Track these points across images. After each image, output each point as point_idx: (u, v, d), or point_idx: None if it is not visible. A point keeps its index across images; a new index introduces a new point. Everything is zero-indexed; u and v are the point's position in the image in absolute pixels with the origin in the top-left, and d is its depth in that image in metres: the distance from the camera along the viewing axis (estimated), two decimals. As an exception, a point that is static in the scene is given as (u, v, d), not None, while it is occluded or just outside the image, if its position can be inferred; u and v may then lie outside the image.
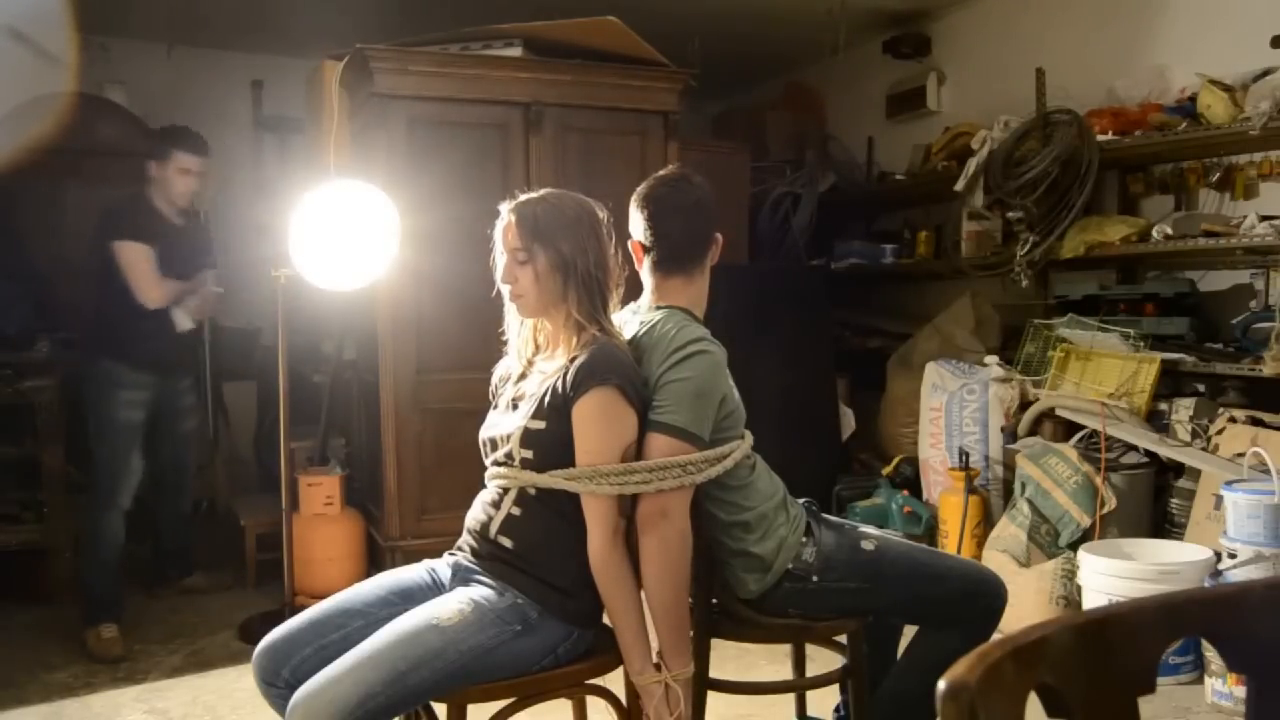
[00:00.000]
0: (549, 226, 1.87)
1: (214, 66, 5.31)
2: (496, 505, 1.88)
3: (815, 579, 2.02)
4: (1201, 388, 3.61)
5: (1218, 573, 2.85)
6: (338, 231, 3.00)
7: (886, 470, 4.17)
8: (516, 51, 3.73)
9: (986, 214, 4.39)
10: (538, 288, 1.87)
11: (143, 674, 3.18)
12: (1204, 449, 3.32)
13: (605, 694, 1.92)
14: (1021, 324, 4.13)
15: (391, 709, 1.68)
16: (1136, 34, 4.07)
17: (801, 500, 2.14)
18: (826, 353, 4.68)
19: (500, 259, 1.92)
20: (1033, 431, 3.77)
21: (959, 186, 4.29)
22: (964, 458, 3.74)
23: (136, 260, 3.41)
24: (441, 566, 1.96)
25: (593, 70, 3.81)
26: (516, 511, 1.85)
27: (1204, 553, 2.98)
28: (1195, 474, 3.28)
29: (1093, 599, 3.05)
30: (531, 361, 1.98)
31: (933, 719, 0.76)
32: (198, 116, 4.88)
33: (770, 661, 3.09)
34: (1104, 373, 3.65)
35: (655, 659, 1.84)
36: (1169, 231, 3.62)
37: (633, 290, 2.06)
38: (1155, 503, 3.45)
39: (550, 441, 1.82)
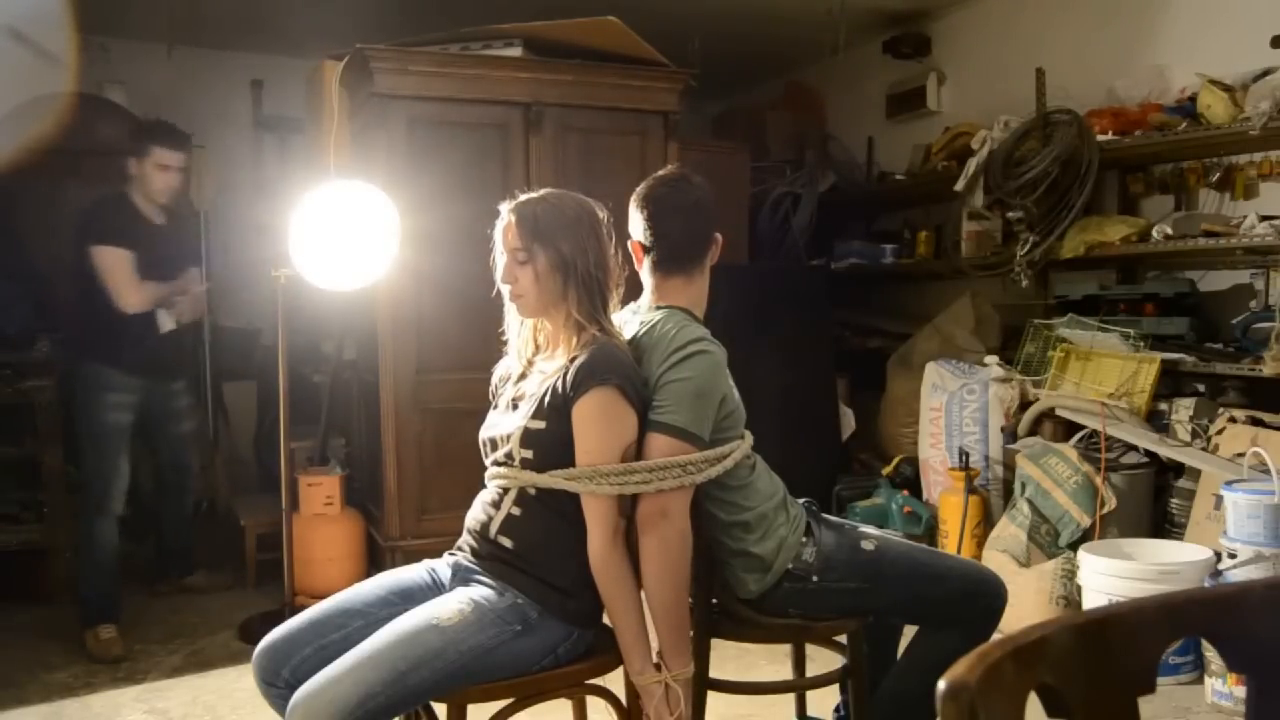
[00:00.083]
0: (549, 226, 1.87)
1: (214, 66, 5.31)
2: (496, 505, 1.88)
3: (815, 579, 2.02)
4: (1201, 388, 3.61)
5: (1218, 573, 2.85)
6: (338, 231, 3.00)
7: (886, 470, 4.17)
8: (516, 51, 3.73)
9: (986, 214, 4.39)
10: (538, 288, 1.87)
11: (143, 674, 3.18)
12: (1204, 449, 3.32)
13: (605, 694, 1.92)
14: (1021, 324, 4.13)
15: (391, 709, 1.68)
16: (1136, 34, 4.07)
17: (801, 500, 2.14)
18: (826, 353, 4.69)
19: (500, 259, 1.91)
20: (1033, 431, 3.77)
21: (959, 186, 4.30)
22: (964, 458, 3.74)
23: (114, 265, 3.36)
24: (441, 566, 1.96)
25: (593, 70, 3.81)
26: (516, 511, 1.85)
27: (1204, 553, 2.98)
28: (1195, 474, 3.28)
29: (1093, 599, 3.05)
30: (531, 361, 1.98)
31: (933, 719, 0.76)
32: (198, 116, 4.92)
33: (770, 661, 3.09)
34: (1104, 373, 3.65)
35: (655, 659, 1.84)
36: (1169, 231, 3.62)
37: (633, 290, 2.06)
38: (1155, 503, 3.45)
39: (550, 441, 1.82)
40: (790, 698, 2.51)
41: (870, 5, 4.88)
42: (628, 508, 1.84)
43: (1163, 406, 3.54)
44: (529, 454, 1.83)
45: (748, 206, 5.03)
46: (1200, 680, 2.89)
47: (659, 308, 2.02)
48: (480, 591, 1.81)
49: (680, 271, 2.04)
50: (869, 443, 4.68)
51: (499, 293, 1.95)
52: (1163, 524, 3.41)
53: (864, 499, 4.10)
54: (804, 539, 2.04)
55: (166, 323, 3.54)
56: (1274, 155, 3.53)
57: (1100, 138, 3.80)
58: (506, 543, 1.85)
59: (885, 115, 5.39)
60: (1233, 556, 2.80)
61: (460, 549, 1.95)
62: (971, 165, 4.25)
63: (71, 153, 4.26)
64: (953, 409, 3.93)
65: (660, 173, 2.12)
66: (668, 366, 1.88)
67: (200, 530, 4.26)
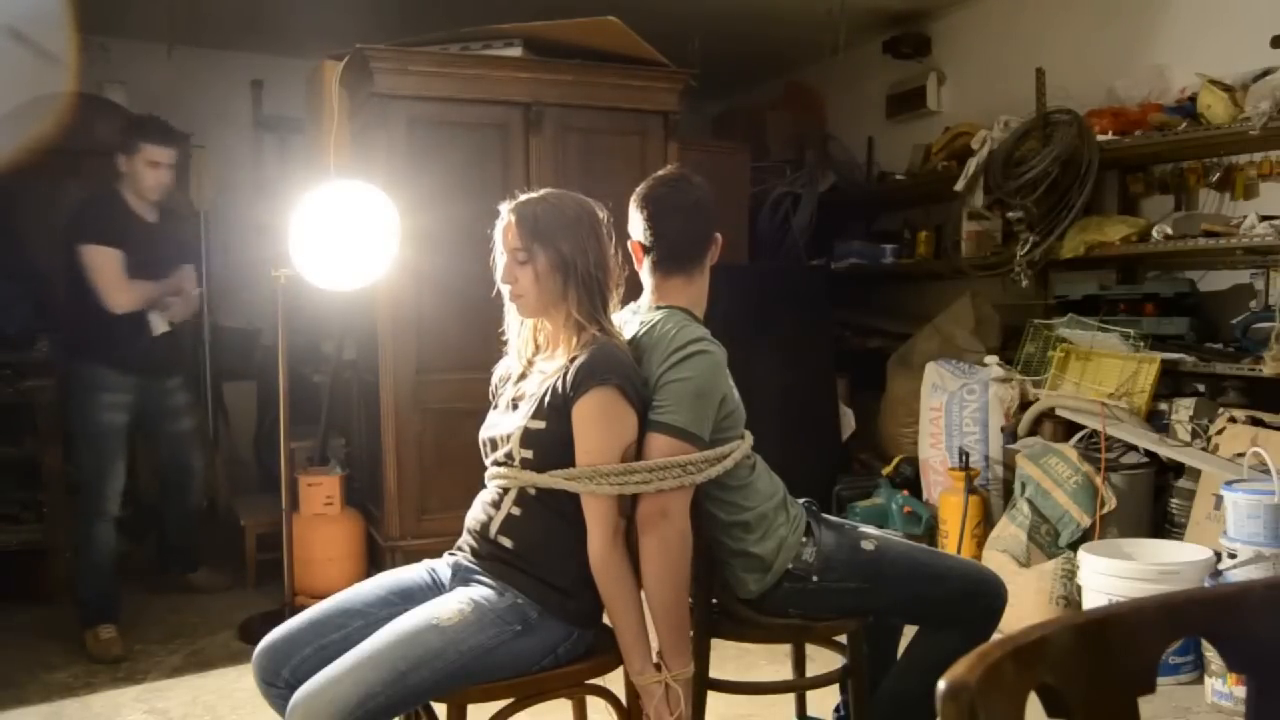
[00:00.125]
0: (549, 226, 1.87)
1: (214, 66, 5.31)
2: (496, 505, 1.88)
3: (815, 579, 2.02)
4: (1201, 388, 3.61)
5: (1218, 573, 2.85)
6: (338, 231, 3.00)
7: (886, 470, 4.17)
8: (516, 51, 3.73)
9: (986, 214, 4.39)
10: (538, 288, 1.87)
11: (143, 674, 3.18)
12: (1204, 449, 3.32)
13: (605, 694, 1.92)
14: (1021, 324, 4.13)
15: (391, 709, 1.68)
16: (1136, 34, 4.07)
17: (801, 500, 2.14)
18: (826, 353, 4.69)
19: (500, 259, 1.92)
20: (1033, 431, 3.77)
21: (959, 186, 4.29)
22: (964, 458, 3.74)
23: (102, 265, 3.31)
24: (441, 566, 1.96)
25: (593, 70, 3.81)
26: (516, 511, 1.85)
27: (1204, 553, 2.98)
28: (1195, 474, 3.28)
29: (1093, 599, 3.05)
30: (531, 361, 1.98)
31: (933, 719, 0.76)
32: (198, 116, 4.92)
33: (770, 661, 3.09)
34: (1104, 373, 3.65)
35: (655, 659, 1.84)
36: (1169, 231, 3.62)
37: (633, 290, 2.06)
38: (1155, 503, 3.45)
39: (550, 441, 1.82)
40: (790, 698, 2.51)
41: (870, 5, 4.88)
42: (628, 508, 1.84)
43: (1163, 406, 3.54)
44: (529, 454, 1.83)
45: (748, 206, 5.03)
46: (1200, 680, 2.89)
47: (659, 308, 2.02)
48: (480, 591, 1.81)
49: (680, 271, 2.04)
50: (869, 443, 4.68)
51: (499, 293, 1.95)
52: (1163, 524, 3.41)
53: (864, 499, 4.10)
54: (804, 539, 2.04)
55: (159, 325, 3.50)
56: (1274, 155, 3.53)
57: (1100, 138, 3.80)
58: (506, 543, 1.85)
59: (885, 115, 5.39)
60: (1233, 556, 2.80)
61: (460, 549, 1.95)
62: (971, 165, 4.25)
63: (71, 153, 4.26)
64: (953, 409, 3.93)
65: (660, 173, 2.12)
66: (668, 366, 1.88)
67: (200, 530, 4.26)
